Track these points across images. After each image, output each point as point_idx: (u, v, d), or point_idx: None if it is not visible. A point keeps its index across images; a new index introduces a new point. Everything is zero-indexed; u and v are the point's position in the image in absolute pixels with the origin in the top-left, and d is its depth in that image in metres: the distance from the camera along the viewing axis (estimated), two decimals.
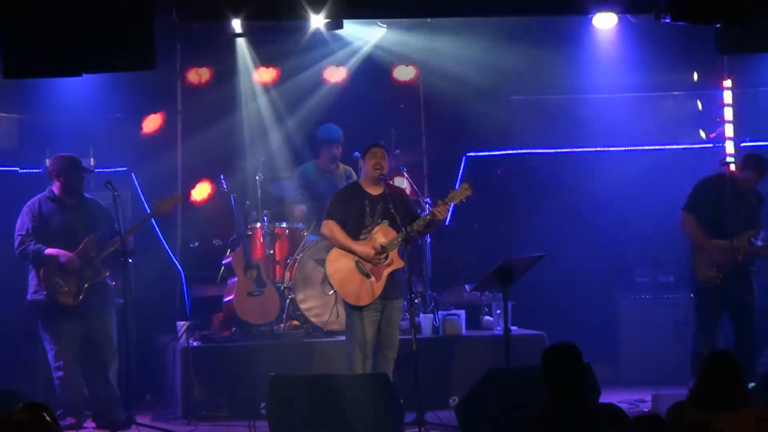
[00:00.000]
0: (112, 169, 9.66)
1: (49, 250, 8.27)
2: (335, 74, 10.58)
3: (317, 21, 8.55)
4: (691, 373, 8.79)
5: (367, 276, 8.00)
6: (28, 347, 9.25)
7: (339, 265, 8.08)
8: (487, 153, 10.87)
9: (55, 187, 8.43)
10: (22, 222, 8.40)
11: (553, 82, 10.58)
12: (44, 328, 8.39)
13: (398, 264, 8.03)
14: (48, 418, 4.13)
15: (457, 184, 10.27)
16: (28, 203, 8.47)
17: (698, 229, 8.82)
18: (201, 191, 10.25)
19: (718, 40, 6.88)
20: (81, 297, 8.29)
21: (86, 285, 8.30)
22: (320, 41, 10.05)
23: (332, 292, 8.66)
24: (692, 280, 8.98)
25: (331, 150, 9.90)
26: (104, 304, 8.42)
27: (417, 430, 7.76)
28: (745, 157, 9.01)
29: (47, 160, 8.82)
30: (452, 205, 8.20)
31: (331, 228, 8.11)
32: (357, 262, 8.02)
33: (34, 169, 9.85)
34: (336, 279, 8.10)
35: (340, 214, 8.13)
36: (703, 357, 5.17)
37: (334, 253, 8.14)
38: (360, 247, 8.02)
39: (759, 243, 8.77)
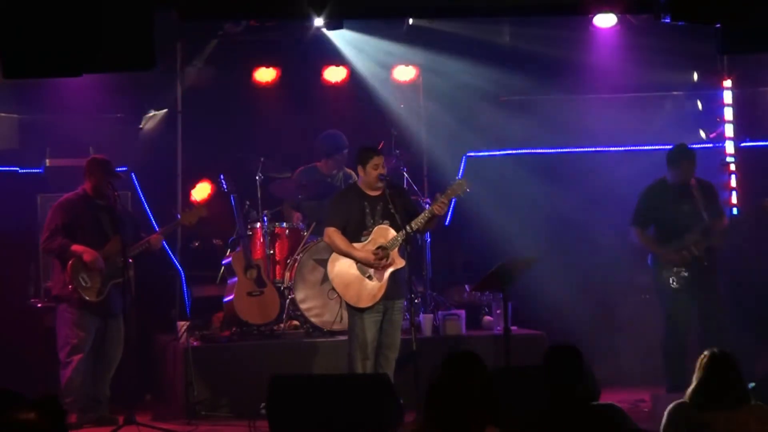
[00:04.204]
0: None
1: (75, 247, 8.42)
2: (335, 74, 10.58)
3: (317, 21, 8.55)
4: (665, 374, 8.82)
5: (369, 278, 8.00)
6: (28, 347, 9.25)
7: (341, 267, 8.09)
8: (487, 153, 10.87)
9: (87, 187, 8.59)
10: (53, 217, 8.56)
11: (552, 82, 10.58)
12: (68, 322, 8.48)
13: (399, 263, 8.03)
14: (55, 416, 4.12)
15: None
16: (60, 200, 8.66)
17: (647, 240, 8.92)
18: (201, 191, 10.26)
19: (718, 40, 6.87)
20: (104, 295, 8.43)
21: (110, 284, 8.45)
22: (321, 41, 10.05)
23: (336, 296, 8.66)
24: (655, 284, 9.00)
25: (338, 157, 9.89)
26: (123, 306, 8.51)
27: (416, 427, 7.75)
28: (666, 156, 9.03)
29: (85, 161, 8.85)
30: (453, 201, 8.19)
31: (331, 236, 8.11)
32: (358, 265, 8.03)
33: (34, 169, 9.86)
34: (338, 282, 8.10)
35: (340, 221, 8.12)
36: (701, 357, 5.17)
37: (336, 255, 8.14)
38: (360, 253, 8.02)
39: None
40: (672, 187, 8.89)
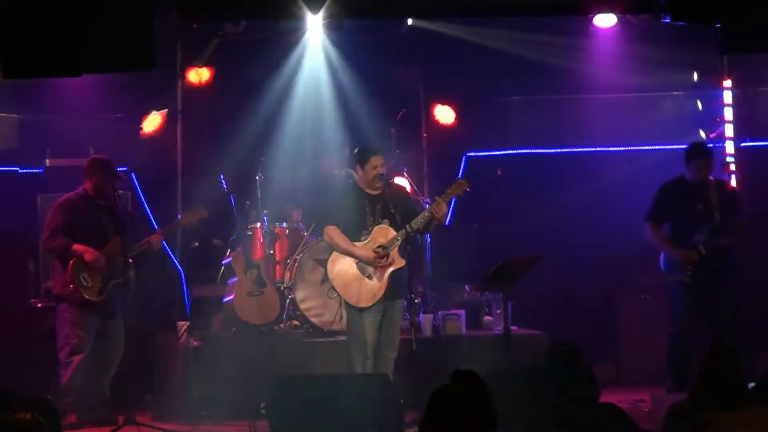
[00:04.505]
0: None
1: (76, 246, 8.43)
2: (335, 74, 10.58)
3: (314, 21, 8.58)
4: (668, 373, 8.82)
5: (369, 278, 8.00)
6: (28, 347, 9.25)
7: (341, 267, 8.08)
8: (487, 153, 10.87)
9: (88, 187, 8.61)
10: (54, 217, 8.56)
11: (553, 82, 10.58)
12: (68, 322, 8.49)
13: (399, 263, 8.02)
14: (50, 417, 4.12)
15: None
16: (60, 200, 8.66)
17: (660, 237, 8.88)
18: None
19: (718, 40, 6.88)
20: (104, 295, 8.45)
21: (110, 284, 8.46)
22: (320, 41, 10.06)
23: (336, 296, 8.66)
24: (664, 283, 9.03)
25: (339, 157, 9.84)
26: (123, 306, 8.51)
27: (417, 430, 7.75)
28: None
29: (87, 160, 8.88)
30: (453, 200, 8.18)
31: (331, 235, 8.10)
32: (359, 264, 8.02)
33: (34, 169, 9.86)
34: (338, 282, 8.09)
35: (340, 219, 8.12)
36: (683, 357, 5.17)
37: (336, 255, 8.14)
38: (361, 251, 8.01)
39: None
40: (689, 185, 8.85)
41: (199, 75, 10.24)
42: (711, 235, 8.70)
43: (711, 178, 8.93)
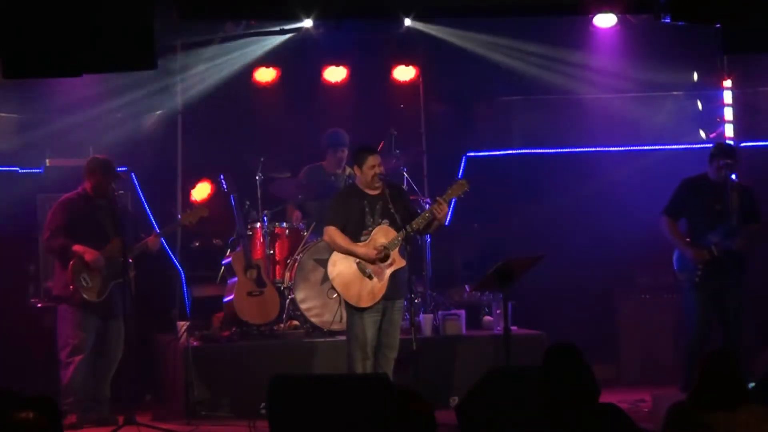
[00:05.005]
0: None
1: (76, 247, 8.43)
2: (335, 74, 10.58)
3: (308, 22, 8.56)
4: (683, 372, 8.81)
5: (369, 277, 8.00)
6: (28, 347, 9.25)
7: (341, 267, 8.09)
8: (487, 153, 10.87)
9: (87, 187, 8.61)
10: (54, 216, 8.58)
11: (552, 82, 10.58)
12: (69, 323, 8.50)
13: (400, 263, 8.03)
14: (51, 415, 4.13)
15: None
16: (60, 200, 8.67)
17: (675, 232, 8.89)
18: (201, 191, 10.24)
19: (718, 40, 6.88)
20: (104, 295, 8.45)
21: (111, 284, 8.46)
22: (320, 41, 10.06)
23: (336, 296, 8.66)
24: (676, 281, 9.05)
25: (337, 154, 9.90)
26: (123, 306, 8.52)
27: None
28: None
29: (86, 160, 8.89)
30: (453, 201, 8.18)
31: (331, 235, 8.11)
32: (359, 264, 8.02)
33: (34, 169, 9.86)
34: (338, 282, 8.10)
35: (340, 220, 8.12)
36: (700, 356, 5.18)
37: (336, 255, 8.14)
38: (361, 249, 8.02)
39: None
40: (710, 184, 8.85)
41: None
42: (725, 236, 8.69)
43: (734, 179, 8.93)
